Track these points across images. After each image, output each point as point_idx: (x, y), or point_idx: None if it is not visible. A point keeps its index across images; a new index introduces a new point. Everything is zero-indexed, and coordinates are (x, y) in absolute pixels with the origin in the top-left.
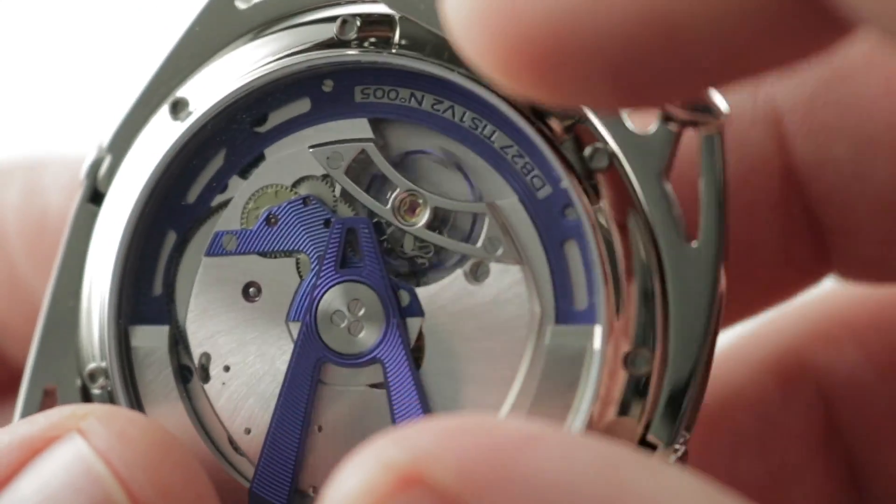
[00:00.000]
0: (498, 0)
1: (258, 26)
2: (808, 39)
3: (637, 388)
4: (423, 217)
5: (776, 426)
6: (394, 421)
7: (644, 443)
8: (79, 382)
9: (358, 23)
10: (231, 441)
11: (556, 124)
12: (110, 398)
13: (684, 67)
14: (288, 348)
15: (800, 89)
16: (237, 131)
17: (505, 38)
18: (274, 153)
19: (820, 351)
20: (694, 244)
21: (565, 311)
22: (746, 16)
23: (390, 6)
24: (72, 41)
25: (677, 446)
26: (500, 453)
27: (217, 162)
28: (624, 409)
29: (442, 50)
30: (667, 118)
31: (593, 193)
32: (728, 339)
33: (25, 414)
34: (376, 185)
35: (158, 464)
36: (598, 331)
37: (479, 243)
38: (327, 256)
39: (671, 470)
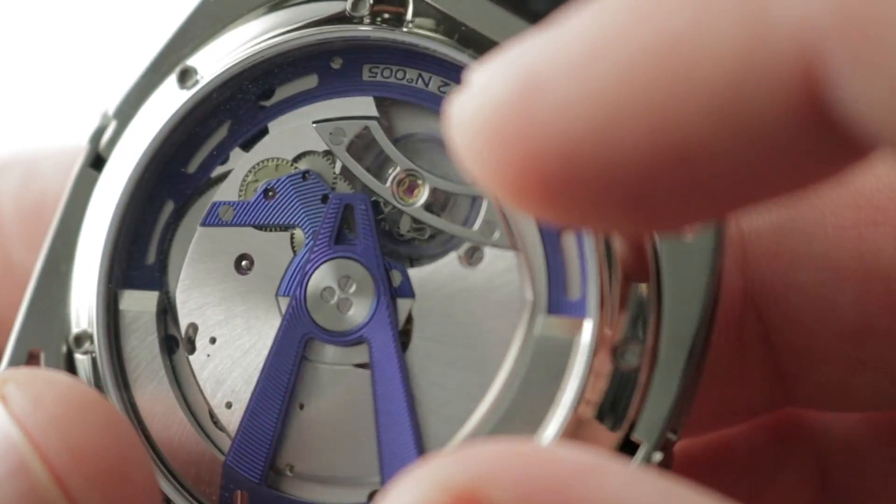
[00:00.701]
0: (508, 120)
1: (271, 0)
2: (826, 164)
3: (624, 383)
4: (422, 198)
5: (768, 486)
6: (375, 402)
7: (627, 441)
8: (64, 348)
9: (371, 0)
10: (211, 415)
11: None
12: (94, 364)
13: (698, 194)
14: (276, 323)
15: (766, 216)
16: (242, 103)
17: (514, 160)
18: (277, 127)
19: (817, 412)
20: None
21: (558, 300)
22: (762, 143)
23: None
24: (69, 37)
25: (657, 455)
26: (559, 480)
27: (220, 133)
28: (610, 404)
29: (453, 31)
30: None
31: None
32: None
33: None
34: (377, 163)
35: (73, 428)
36: (587, 324)
37: (476, 226)
38: (322, 231)
39: None
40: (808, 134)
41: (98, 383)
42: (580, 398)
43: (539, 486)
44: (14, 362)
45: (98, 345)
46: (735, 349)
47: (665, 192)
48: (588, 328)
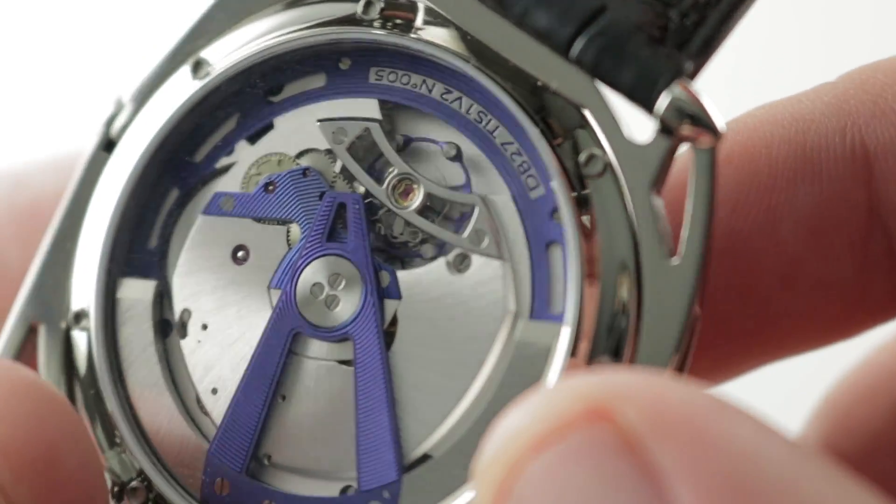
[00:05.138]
0: None
1: None
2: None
3: None
4: (416, 202)
5: None
6: (356, 398)
7: None
8: (64, 324)
9: (381, 4)
10: (198, 399)
11: (556, 126)
12: (89, 340)
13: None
14: (266, 314)
15: (891, 132)
16: (251, 97)
17: None
18: (283, 123)
19: None
20: (675, 261)
21: (540, 311)
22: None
23: None
24: (59, 47)
25: None
26: (695, 412)
27: (228, 125)
28: None
29: (460, 41)
30: (665, 130)
31: (582, 199)
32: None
33: (6, 348)
34: (376, 165)
35: None
36: (566, 332)
37: (466, 234)
38: (315, 228)
39: (849, 480)
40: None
41: (91, 361)
42: None
43: (672, 413)
44: (13, 334)
45: (94, 330)
46: (859, 265)
47: None
48: (565, 335)
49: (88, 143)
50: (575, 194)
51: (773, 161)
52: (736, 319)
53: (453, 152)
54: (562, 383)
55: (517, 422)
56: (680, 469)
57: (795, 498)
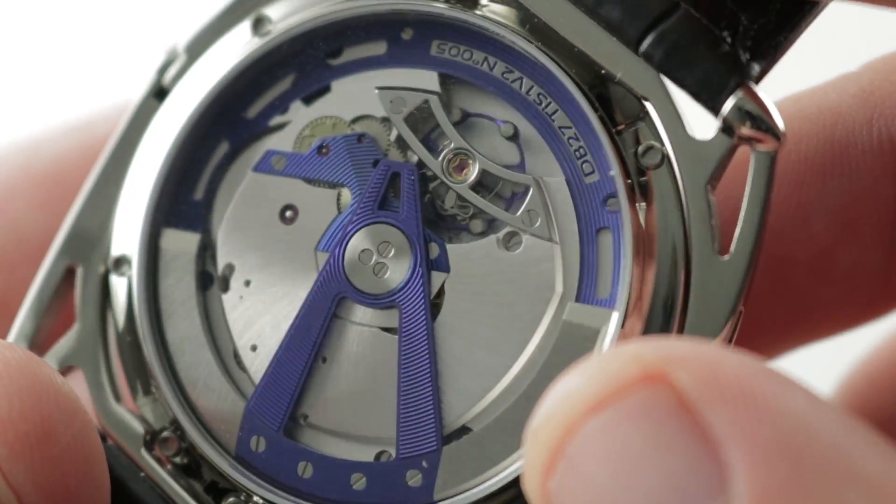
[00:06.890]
0: None
1: None
2: None
3: None
4: (470, 177)
5: None
6: (399, 366)
7: None
8: (102, 268)
9: None
10: (236, 355)
11: (618, 115)
12: (130, 287)
13: None
14: (311, 275)
15: None
16: (310, 58)
17: None
18: (340, 86)
19: None
20: (725, 258)
21: (587, 295)
22: None
23: None
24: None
25: None
26: (749, 379)
27: (284, 84)
28: None
29: (525, 22)
30: (726, 130)
31: (639, 189)
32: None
33: (43, 288)
34: (432, 137)
35: None
36: (615, 316)
37: (518, 213)
38: (368, 194)
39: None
40: None
41: (130, 308)
42: None
43: (726, 380)
44: (51, 274)
45: (136, 279)
46: (887, 254)
47: None
48: (614, 321)
49: (138, 89)
50: (630, 181)
51: (803, 157)
52: (768, 313)
53: (510, 131)
54: (617, 348)
55: (573, 384)
56: (734, 432)
57: (844, 465)
